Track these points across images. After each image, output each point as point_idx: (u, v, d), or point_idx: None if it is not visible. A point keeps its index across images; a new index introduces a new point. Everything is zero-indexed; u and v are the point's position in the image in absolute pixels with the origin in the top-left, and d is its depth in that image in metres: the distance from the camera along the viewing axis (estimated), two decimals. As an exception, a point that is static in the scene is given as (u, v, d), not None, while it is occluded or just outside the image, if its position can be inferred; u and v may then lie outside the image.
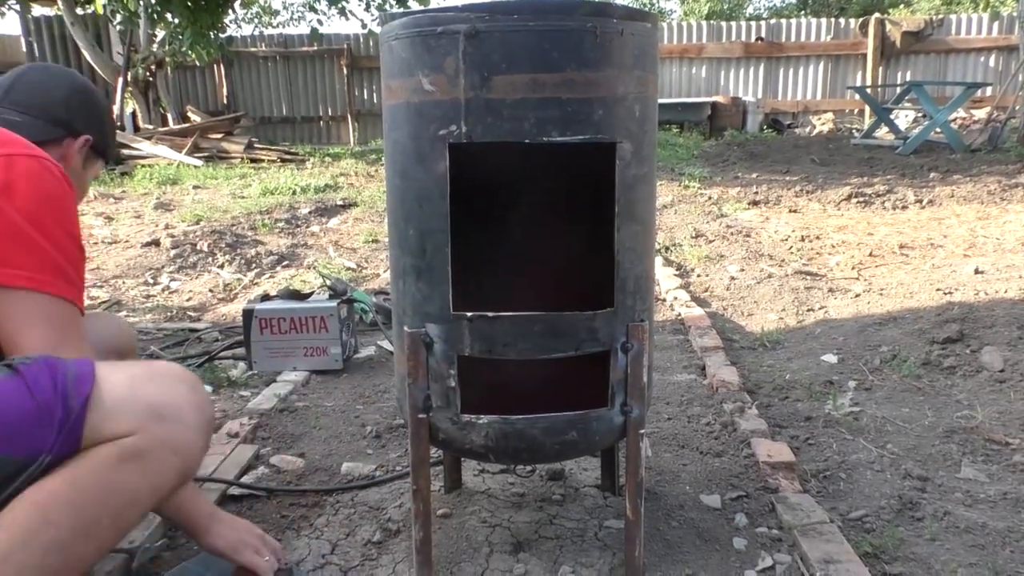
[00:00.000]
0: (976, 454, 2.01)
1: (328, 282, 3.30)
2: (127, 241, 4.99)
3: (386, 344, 3.01)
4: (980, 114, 10.40)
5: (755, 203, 6.06)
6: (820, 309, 3.36)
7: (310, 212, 5.96)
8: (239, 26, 14.99)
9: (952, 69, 11.86)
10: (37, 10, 11.58)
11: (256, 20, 15.89)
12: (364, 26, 12.11)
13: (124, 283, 4.09)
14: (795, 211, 5.72)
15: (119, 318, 2.14)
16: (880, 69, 11.91)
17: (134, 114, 10.79)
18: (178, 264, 4.40)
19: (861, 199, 5.97)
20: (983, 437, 2.08)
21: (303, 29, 17.46)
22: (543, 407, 1.40)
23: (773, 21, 12.92)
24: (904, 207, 5.71)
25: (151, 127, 10.27)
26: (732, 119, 11.41)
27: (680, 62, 12.28)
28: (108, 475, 1.11)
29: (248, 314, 2.71)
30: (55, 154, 1.43)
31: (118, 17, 9.74)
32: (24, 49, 11.44)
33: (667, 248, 4.63)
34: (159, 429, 1.14)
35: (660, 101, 1.52)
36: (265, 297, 2.90)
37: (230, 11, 11.00)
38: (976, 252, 4.17)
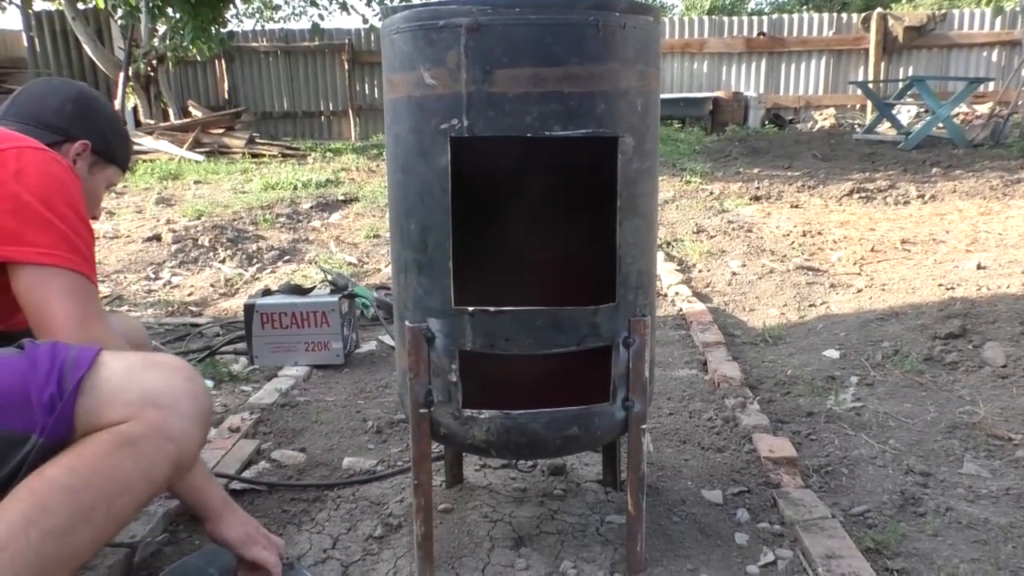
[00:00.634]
0: (978, 450, 2.01)
1: (329, 277, 3.30)
2: (128, 236, 4.98)
3: (387, 339, 3.00)
4: (982, 109, 10.36)
5: (757, 198, 6.05)
6: (822, 304, 3.35)
7: (311, 207, 5.95)
8: (240, 21, 14.96)
9: (955, 64, 11.82)
10: (38, 5, 11.58)
11: (257, 15, 15.85)
12: (365, 21, 12.10)
13: (126, 278, 4.09)
14: (797, 206, 5.71)
15: (130, 317, 2.16)
16: (882, 64, 11.87)
17: (135, 109, 10.79)
18: (179, 259, 4.40)
19: (863, 194, 5.95)
20: (985, 433, 2.08)
21: (304, 24, 17.46)
22: (545, 402, 1.39)
23: (775, 16, 12.87)
24: (906, 202, 5.69)
25: (152, 122, 10.26)
26: (734, 114, 11.39)
27: (682, 57, 12.25)
28: (104, 461, 1.11)
29: (249, 309, 2.71)
30: None
31: (119, 12, 9.73)
32: (25, 44, 11.43)
33: (669, 243, 4.63)
34: (154, 415, 1.14)
35: (662, 96, 1.52)
36: (266, 292, 2.90)
37: (231, 6, 10.98)
38: (978, 247, 4.16)
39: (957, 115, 9.68)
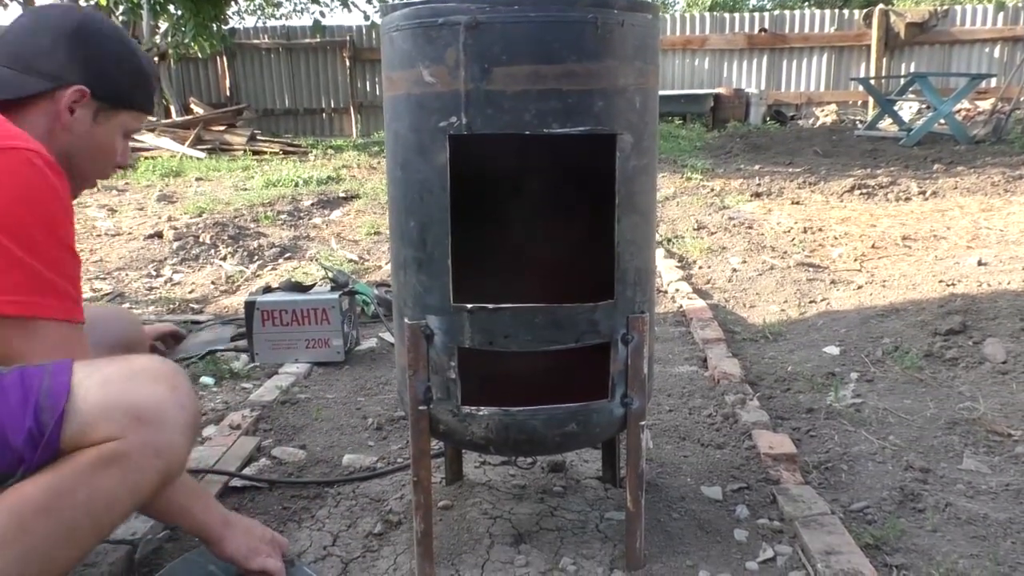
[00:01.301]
0: (978, 446, 2.01)
1: (330, 274, 3.30)
2: (130, 233, 4.99)
3: (388, 336, 3.01)
4: (984, 105, 10.34)
5: (757, 195, 6.04)
6: (822, 301, 3.35)
7: (312, 204, 5.96)
8: (242, 18, 15.01)
9: (956, 60, 11.80)
10: (39, 1, 11.56)
11: (259, 12, 15.86)
12: (367, 18, 12.10)
13: (127, 275, 4.10)
14: (798, 203, 5.70)
15: (127, 311, 2.12)
16: (884, 60, 11.86)
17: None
18: (181, 256, 4.40)
19: (864, 191, 5.94)
20: (985, 429, 2.08)
21: (306, 21, 17.48)
22: (544, 399, 1.40)
23: (776, 12, 12.86)
24: (907, 199, 5.69)
25: (154, 119, 10.25)
26: (735, 111, 11.38)
27: (683, 53, 12.24)
28: (87, 480, 1.08)
29: (250, 306, 2.71)
30: (47, 110, 1.30)
31: (121, 9, 9.73)
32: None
33: (669, 240, 4.62)
34: (141, 432, 1.10)
35: (663, 93, 1.52)
36: (267, 289, 2.91)
37: (232, 3, 10.99)
38: (979, 244, 4.16)
39: (959, 111, 9.67)
